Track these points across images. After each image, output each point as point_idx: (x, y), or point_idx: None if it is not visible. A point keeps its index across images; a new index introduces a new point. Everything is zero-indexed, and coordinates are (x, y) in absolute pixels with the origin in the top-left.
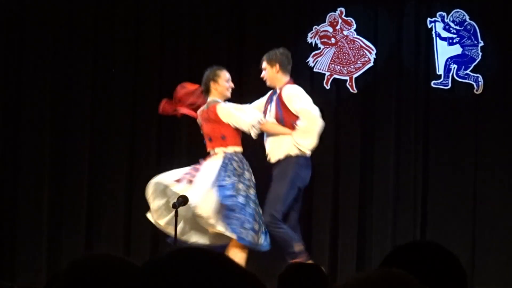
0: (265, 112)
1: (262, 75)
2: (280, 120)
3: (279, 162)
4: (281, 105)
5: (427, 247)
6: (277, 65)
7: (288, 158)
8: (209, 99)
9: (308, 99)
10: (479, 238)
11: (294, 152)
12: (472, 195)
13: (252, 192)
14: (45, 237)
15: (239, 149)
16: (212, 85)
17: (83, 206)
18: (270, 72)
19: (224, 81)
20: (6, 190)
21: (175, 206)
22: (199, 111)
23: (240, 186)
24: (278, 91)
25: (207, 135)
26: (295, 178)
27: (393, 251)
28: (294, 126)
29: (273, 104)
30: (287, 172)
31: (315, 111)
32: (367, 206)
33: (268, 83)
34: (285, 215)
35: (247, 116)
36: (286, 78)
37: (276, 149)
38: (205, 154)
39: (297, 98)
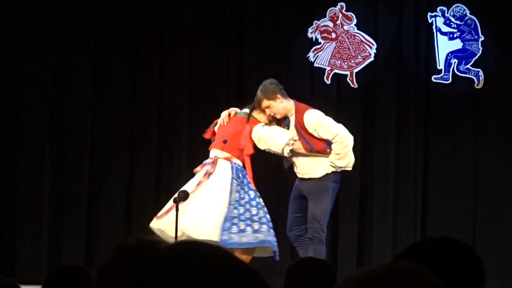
0: None
1: (268, 114)
2: (310, 149)
3: (314, 178)
4: (304, 133)
5: (441, 242)
6: (278, 95)
7: (326, 175)
8: (253, 113)
9: (331, 122)
10: (479, 233)
11: (331, 170)
12: (473, 190)
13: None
14: (45, 233)
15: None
16: (264, 107)
17: (84, 203)
18: (276, 106)
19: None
20: (7, 187)
21: (176, 201)
22: (231, 112)
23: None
24: (292, 120)
25: (223, 136)
26: (333, 192)
27: (406, 249)
28: (326, 150)
29: (294, 133)
30: (327, 187)
31: (344, 131)
32: (367, 201)
33: (279, 117)
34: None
35: (280, 139)
36: (291, 102)
37: (313, 169)
38: (204, 154)
39: (323, 126)
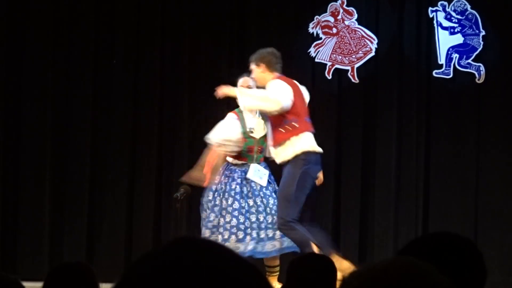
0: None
1: (251, 76)
2: (267, 119)
3: (287, 162)
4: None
5: (443, 237)
6: (263, 65)
7: (296, 158)
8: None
9: (279, 89)
10: (481, 228)
11: (301, 150)
12: (474, 184)
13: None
14: (47, 230)
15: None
16: (250, 68)
17: (85, 200)
18: (257, 72)
19: None
20: (9, 184)
21: (178, 197)
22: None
23: None
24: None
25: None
26: (303, 177)
27: (407, 244)
28: (284, 125)
29: None
30: (292, 171)
31: (276, 95)
32: (368, 196)
33: (257, 84)
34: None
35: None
36: (272, 75)
37: (278, 151)
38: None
39: (271, 85)
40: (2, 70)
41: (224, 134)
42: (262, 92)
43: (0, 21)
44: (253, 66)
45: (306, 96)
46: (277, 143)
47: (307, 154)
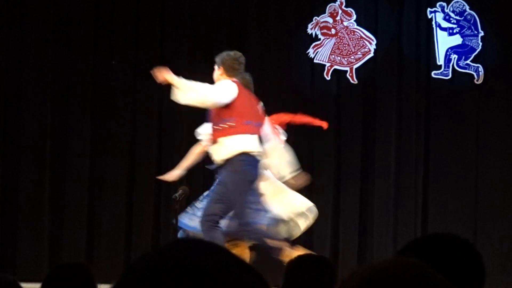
0: None
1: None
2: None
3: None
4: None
5: (442, 238)
6: (222, 68)
7: (232, 159)
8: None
9: (221, 85)
10: (480, 228)
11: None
12: (474, 185)
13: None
14: (46, 230)
15: None
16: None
17: (84, 201)
18: (216, 74)
19: None
20: (8, 184)
21: (176, 198)
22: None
23: None
24: None
25: None
26: (238, 179)
27: (406, 245)
28: (220, 124)
29: None
30: (229, 173)
31: (213, 89)
32: (368, 197)
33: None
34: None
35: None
36: (226, 81)
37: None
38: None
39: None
40: (1, 67)
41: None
42: (200, 84)
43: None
44: (215, 67)
45: (259, 106)
46: (212, 141)
47: (244, 156)
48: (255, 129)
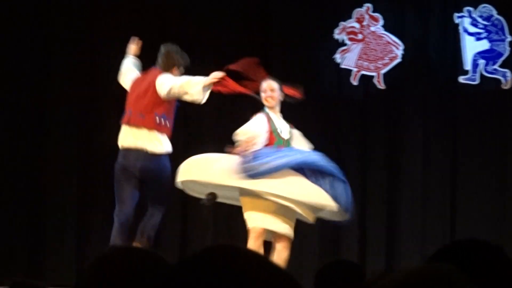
0: None
1: None
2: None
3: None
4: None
5: (473, 244)
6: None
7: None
8: None
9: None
10: (508, 234)
11: None
12: (501, 190)
13: None
14: (73, 236)
15: None
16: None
17: (112, 206)
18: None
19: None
20: (35, 190)
21: (205, 203)
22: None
23: None
24: None
25: None
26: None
27: (437, 251)
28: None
29: None
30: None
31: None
32: (395, 202)
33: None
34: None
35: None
36: None
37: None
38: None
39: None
40: (27, 67)
41: (252, 130)
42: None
43: None
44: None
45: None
46: None
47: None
48: (129, 118)
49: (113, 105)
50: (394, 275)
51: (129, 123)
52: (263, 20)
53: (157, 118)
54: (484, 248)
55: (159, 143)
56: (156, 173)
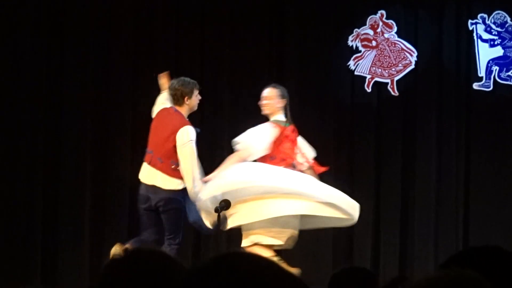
0: None
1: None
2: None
3: None
4: None
5: (487, 250)
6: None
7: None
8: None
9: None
10: None
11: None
12: None
13: None
14: (87, 242)
15: None
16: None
17: (125, 208)
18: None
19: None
20: (48, 194)
21: (217, 210)
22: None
23: None
24: None
25: None
26: None
27: (450, 257)
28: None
29: None
30: None
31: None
32: (409, 208)
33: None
34: None
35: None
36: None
37: None
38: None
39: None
40: (43, 69)
41: (252, 140)
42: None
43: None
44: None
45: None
46: None
47: None
48: (147, 156)
49: (126, 124)
50: (419, 282)
51: (149, 164)
52: (278, 27)
53: (173, 165)
54: (496, 254)
55: (172, 183)
56: (169, 206)
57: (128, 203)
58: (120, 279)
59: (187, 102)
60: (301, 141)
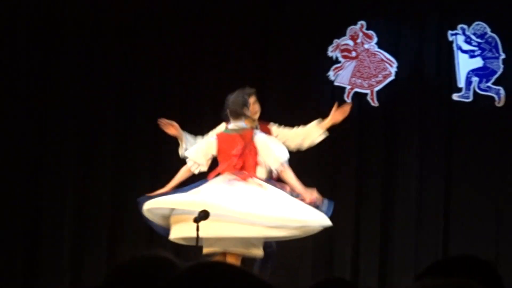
0: None
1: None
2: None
3: None
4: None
5: (463, 260)
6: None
7: None
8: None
9: None
10: (502, 249)
11: None
12: (496, 207)
13: None
14: (68, 244)
15: None
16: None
17: (108, 217)
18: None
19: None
20: (30, 200)
21: (196, 221)
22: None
23: None
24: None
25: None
26: None
27: (428, 267)
28: None
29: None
30: None
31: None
32: (389, 218)
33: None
34: None
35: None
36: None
37: None
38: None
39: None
40: (28, 73)
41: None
42: None
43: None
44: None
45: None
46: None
47: None
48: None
49: (108, 134)
50: None
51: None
52: (259, 38)
53: None
54: (474, 264)
55: None
56: None
57: (109, 216)
58: (123, 283)
59: (248, 112)
60: None
